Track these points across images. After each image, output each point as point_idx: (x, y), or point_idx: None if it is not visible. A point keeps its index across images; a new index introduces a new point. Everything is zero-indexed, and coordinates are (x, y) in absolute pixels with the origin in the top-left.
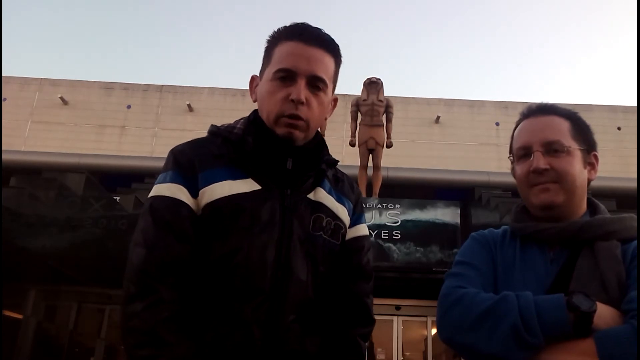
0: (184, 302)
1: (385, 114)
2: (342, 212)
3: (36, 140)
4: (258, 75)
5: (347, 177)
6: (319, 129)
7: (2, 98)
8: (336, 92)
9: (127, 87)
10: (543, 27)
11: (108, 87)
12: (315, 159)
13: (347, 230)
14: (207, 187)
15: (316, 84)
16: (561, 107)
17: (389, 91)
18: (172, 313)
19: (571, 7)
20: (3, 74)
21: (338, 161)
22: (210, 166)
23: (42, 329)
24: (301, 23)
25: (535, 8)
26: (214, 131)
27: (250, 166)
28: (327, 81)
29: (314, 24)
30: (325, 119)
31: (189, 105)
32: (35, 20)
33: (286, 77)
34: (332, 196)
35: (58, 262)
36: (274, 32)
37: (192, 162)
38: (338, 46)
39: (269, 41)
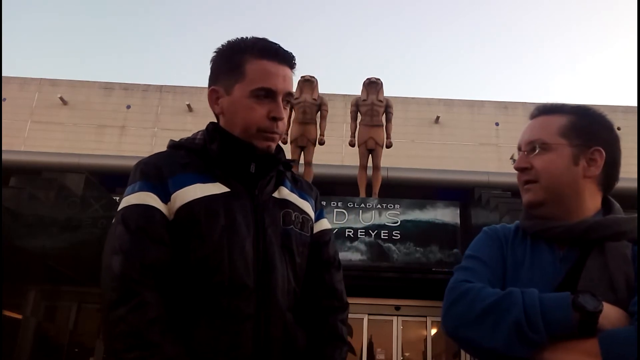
0: (166, 303)
1: (385, 114)
2: (307, 207)
3: (36, 140)
4: (215, 86)
5: (303, 178)
6: None
7: (2, 98)
8: (336, 92)
9: (127, 87)
10: (543, 27)
11: (108, 87)
12: (274, 161)
13: (314, 224)
14: (179, 191)
15: (287, 98)
16: (565, 105)
17: (388, 91)
18: (156, 314)
19: (571, 7)
20: (3, 74)
21: (293, 163)
22: (179, 172)
23: (42, 329)
24: (266, 40)
25: (535, 8)
26: (175, 145)
27: (216, 171)
28: (294, 94)
29: (314, 24)
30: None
31: (188, 106)
32: (35, 20)
33: (267, 95)
34: (295, 193)
35: (58, 262)
36: (239, 45)
37: (160, 169)
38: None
39: (233, 54)
